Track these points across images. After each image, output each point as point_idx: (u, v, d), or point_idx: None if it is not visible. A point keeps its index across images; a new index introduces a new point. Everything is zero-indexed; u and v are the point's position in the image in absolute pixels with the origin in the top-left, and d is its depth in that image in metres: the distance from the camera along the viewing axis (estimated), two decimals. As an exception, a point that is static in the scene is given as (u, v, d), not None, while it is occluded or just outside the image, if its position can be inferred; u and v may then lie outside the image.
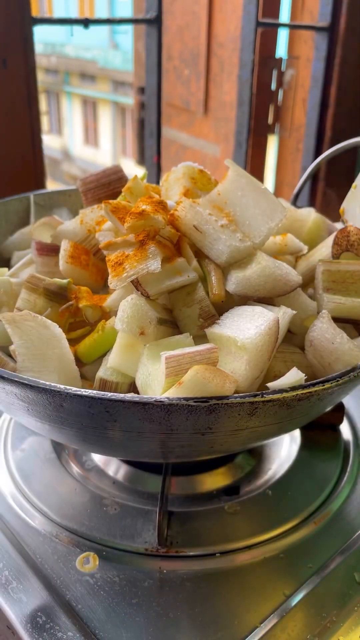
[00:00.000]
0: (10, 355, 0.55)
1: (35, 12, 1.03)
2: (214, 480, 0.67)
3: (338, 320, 0.56)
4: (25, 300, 0.59)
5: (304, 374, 0.49)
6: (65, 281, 0.60)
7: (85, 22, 1.13)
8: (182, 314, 0.55)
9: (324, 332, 0.53)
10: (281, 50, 1.72)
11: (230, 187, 0.60)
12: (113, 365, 0.52)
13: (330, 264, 0.59)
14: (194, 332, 0.53)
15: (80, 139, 10.65)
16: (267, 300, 0.57)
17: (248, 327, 0.49)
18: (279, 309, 0.54)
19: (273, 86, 1.76)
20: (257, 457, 0.71)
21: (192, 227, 0.57)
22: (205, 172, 0.70)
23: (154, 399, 0.42)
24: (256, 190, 0.59)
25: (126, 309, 0.52)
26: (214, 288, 0.55)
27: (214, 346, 0.48)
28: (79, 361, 0.56)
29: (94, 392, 0.43)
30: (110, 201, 0.60)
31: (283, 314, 0.53)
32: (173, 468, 0.65)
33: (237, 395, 0.44)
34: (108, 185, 0.73)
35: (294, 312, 0.54)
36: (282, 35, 1.71)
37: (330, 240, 0.65)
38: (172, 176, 0.70)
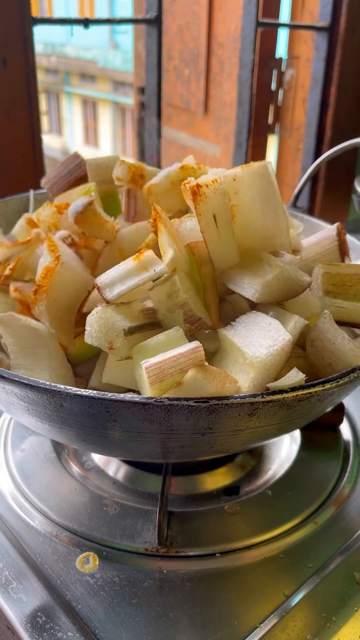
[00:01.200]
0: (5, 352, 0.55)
1: (35, 12, 1.03)
2: (214, 480, 0.67)
3: (338, 323, 0.56)
4: (2, 302, 0.58)
5: (304, 375, 0.49)
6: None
7: (85, 22, 1.14)
8: (167, 318, 0.52)
9: (325, 332, 0.53)
10: (281, 50, 1.72)
11: (250, 181, 0.53)
12: (109, 381, 0.51)
13: (329, 267, 0.58)
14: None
15: (80, 139, 10.65)
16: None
17: (261, 344, 0.48)
18: (291, 317, 0.53)
19: (273, 86, 1.76)
20: (257, 457, 0.71)
21: (212, 217, 0.51)
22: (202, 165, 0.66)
23: (154, 399, 0.42)
24: (271, 203, 0.53)
25: (93, 323, 0.49)
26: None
27: (198, 344, 0.46)
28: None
29: (94, 392, 0.43)
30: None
31: (295, 323, 0.52)
32: (173, 468, 0.65)
33: (237, 395, 0.44)
34: (69, 175, 0.72)
35: (306, 322, 0.53)
36: (282, 35, 1.71)
37: (315, 238, 0.64)
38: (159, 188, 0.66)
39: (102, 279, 0.52)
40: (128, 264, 0.52)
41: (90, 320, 0.50)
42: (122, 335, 0.49)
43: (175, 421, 0.43)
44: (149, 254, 0.51)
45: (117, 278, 0.52)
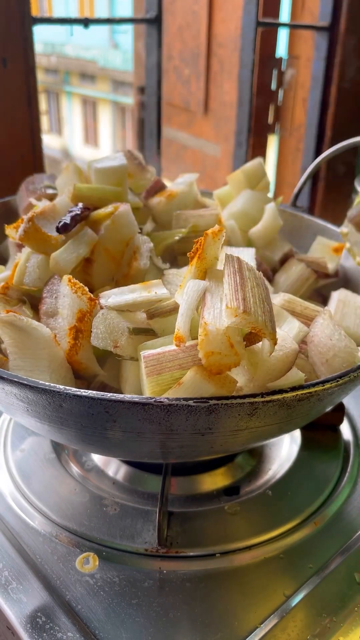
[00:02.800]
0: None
1: (35, 12, 1.03)
2: (214, 481, 0.67)
3: None
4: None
5: (303, 374, 0.49)
6: (35, 289, 0.60)
7: (85, 22, 1.13)
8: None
9: (324, 328, 0.53)
10: (281, 50, 1.72)
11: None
12: (133, 393, 0.52)
13: None
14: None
15: (80, 138, 10.65)
16: None
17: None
18: (295, 325, 0.54)
19: (273, 86, 1.76)
20: (257, 457, 0.71)
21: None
22: None
23: (154, 400, 0.42)
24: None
25: (98, 325, 0.51)
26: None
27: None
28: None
29: (94, 392, 0.43)
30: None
31: (298, 331, 0.53)
32: (173, 468, 0.65)
33: (236, 395, 0.44)
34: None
35: (309, 330, 0.54)
36: (283, 35, 1.71)
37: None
38: None
39: (105, 292, 0.54)
40: (136, 286, 0.54)
41: (96, 322, 0.51)
42: (127, 334, 0.50)
43: (175, 421, 0.43)
44: (157, 281, 0.54)
45: (118, 292, 0.54)
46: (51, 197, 0.71)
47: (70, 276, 0.55)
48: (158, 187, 0.75)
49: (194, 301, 0.46)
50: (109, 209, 0.63)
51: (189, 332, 0.46)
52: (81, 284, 0.54)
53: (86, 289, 0.54)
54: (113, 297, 0.53)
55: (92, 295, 0.53)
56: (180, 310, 0.47)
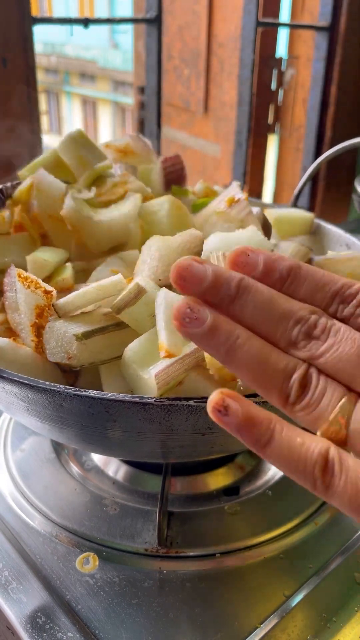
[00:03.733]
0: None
1: (35, 12, 1.03)
2: (214, 481, 0.67)
3: None
4: None
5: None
6: None
7: (85, 22, 1.13)
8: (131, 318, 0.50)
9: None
10: (281, 50, 1.72)
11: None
12: (112, 391, 0.50)
13: None
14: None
15: (80, 138, 10.63)
16: None
17: None
18: None
19: (273, 86, 1.76)
20: (257, 457, 0.71)
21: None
22: None
23: (155, 399, 0.42)
24: None
25: (49, 339, 0.48)
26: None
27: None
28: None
29: (94, 392, 0.43)
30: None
31: None
32: (173, 468, 0.65)
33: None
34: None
35: None
36: (283, 35, 1.71)
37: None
38: None
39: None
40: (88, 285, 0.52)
41: (46, 337, 0.49)
42: (76, 343, 0.47)
43: (175, 421, 0.43)
44: (116, 276, 0.51)
45: (73, 294, 0.50)
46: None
47: (20, 270, 0.51)
48: (178, 164, 0.72)
49: (169, 313, 0.45)
50: (27, 184, 0.64)
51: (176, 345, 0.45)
52: (33, 276, 0.51)
53: (40, 281, 0.50)
54: (69, 297, 0.49)
55: (47, 287, 0.50)
56: (159, 325, 0.46)
